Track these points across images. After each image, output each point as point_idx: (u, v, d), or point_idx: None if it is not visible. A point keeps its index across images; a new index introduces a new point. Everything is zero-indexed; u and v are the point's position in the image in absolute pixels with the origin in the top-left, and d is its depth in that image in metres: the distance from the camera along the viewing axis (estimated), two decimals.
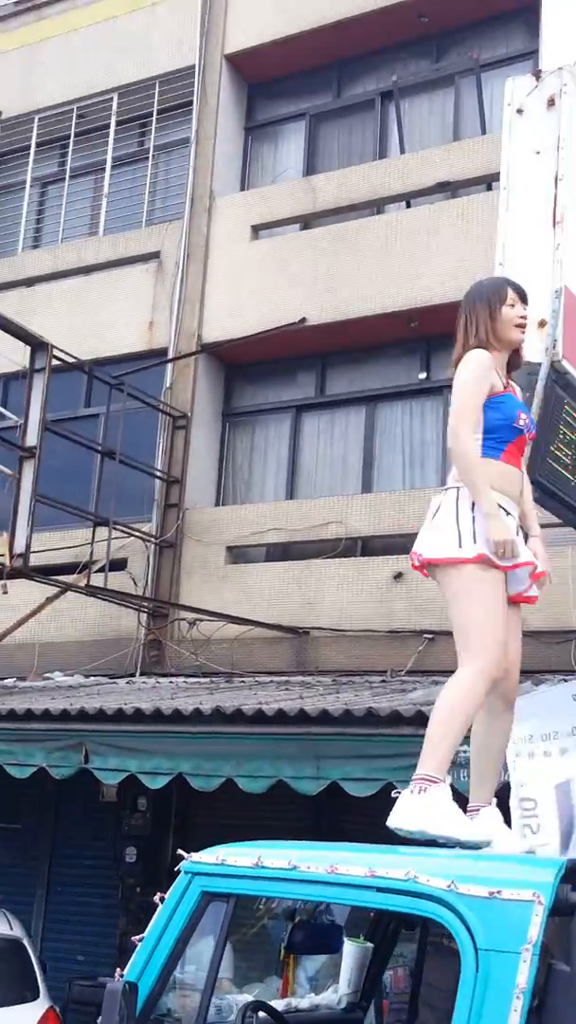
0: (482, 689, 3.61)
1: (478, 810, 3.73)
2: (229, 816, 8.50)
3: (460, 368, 3.87)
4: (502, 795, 4.95)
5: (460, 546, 3.72)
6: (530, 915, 2.80)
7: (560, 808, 4.94)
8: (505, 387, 3.95)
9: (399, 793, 3.50)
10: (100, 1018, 2.94)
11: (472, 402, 3.80)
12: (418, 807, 3.44)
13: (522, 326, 4.00)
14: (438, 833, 3.36)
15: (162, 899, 3.15)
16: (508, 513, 3.81)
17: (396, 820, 3.46)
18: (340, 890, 3.05)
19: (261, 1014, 3.35)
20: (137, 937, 3.16)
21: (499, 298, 4.00)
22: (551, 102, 5.09)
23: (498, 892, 2.87)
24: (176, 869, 3.21)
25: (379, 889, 2.99)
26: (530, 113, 5.14)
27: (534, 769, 5.06)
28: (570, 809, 4.84)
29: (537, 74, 5.21)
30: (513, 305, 3.99)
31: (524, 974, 2.73)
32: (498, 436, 3.86)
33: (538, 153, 5.06)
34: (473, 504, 3.76)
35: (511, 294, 4.00)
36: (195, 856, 3.23)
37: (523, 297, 4.05)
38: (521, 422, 3.88)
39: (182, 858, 3.23)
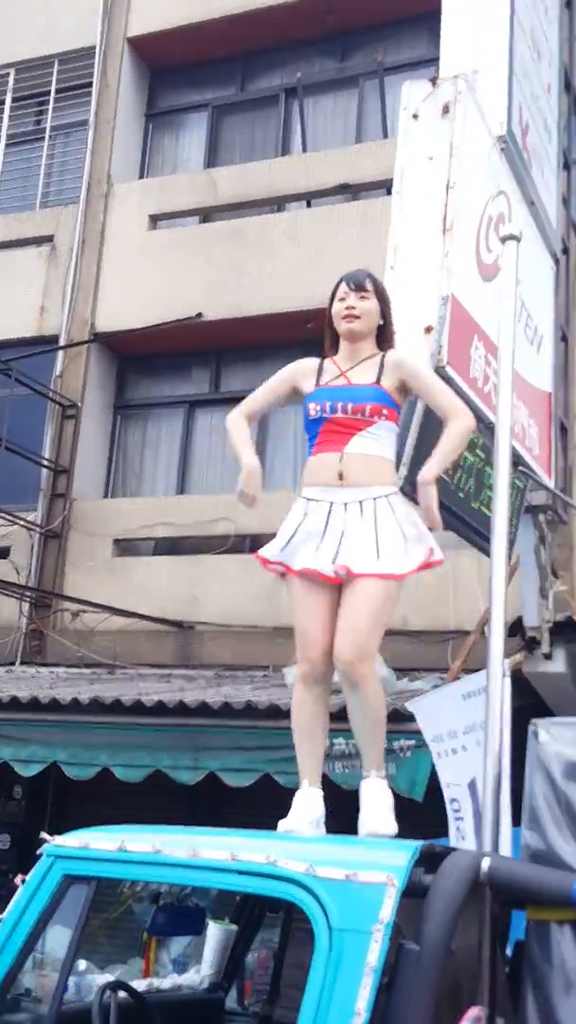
0: (297, 691, 3.95)
1: None
2: (106, 806, 8.45)
3: None
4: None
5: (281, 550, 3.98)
6: (383, 896, 2.87)
7: (474, 807, 5.05)
8: (337, 375, 3.99)
9: None
10: None
11: (261, 388, 4.22)
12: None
13: (348, 317, 4.02)
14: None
15: (23, 881, 3.15)
16: (318, 501, 3.89)
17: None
18: (202, 874, 3.08)
19: (120, 993, 3.36)
20: None
21: (332, 294, 4.08)
22: (446, 109, 5.18)
23: (354, 875, 2.93)
24: (38, 852, 3.20)
25: (240, 872, 3.03)
26: (425, 119, 5.23)
27: (451, 768, 5.17)
28: (478, 808, 4.94)
29: (433, 80, 5.30)
30: (343, 298, 4.04)
31: (375, 953, 2.80)
32: (311, 433, 4.00)
33: (431, 159, 5.15)
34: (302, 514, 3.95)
35: (343, 287, 4.06)
36: (58, 839, 3.24)
37: (357, 284, 4.05)
38: (312, 412, 3.95)
39: (44, 841, 3.22)
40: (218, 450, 10.74)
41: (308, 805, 3.78)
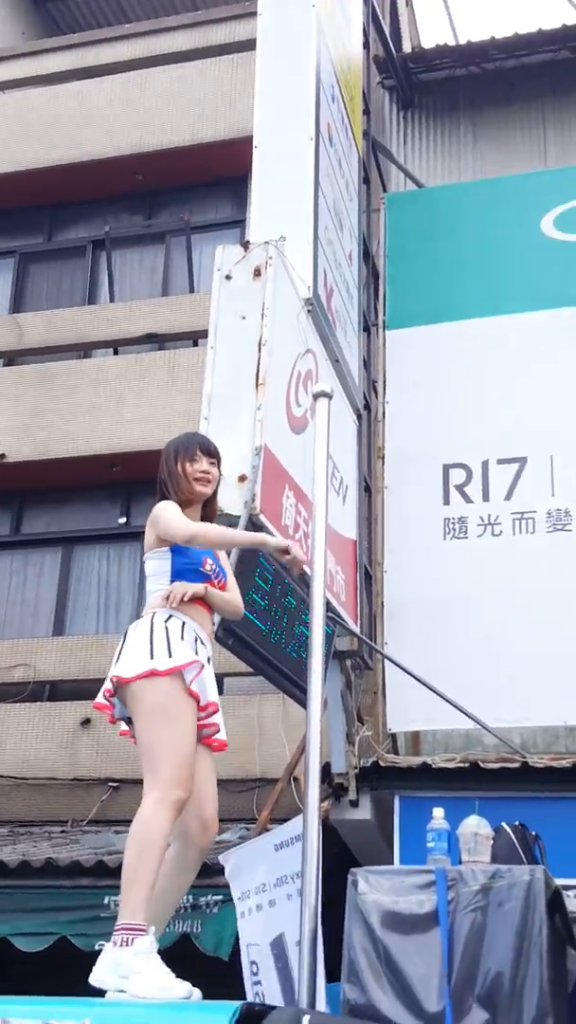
0: (165, 815, 3.56)
1: None
2: None
3: (156, 513, 3.99)
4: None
5: (152, 657, 3.75)
6: None
7: (277, 964, 4.92)
8: None
9: (103, 946, 3.40)
10: None
11: (176, 513, 3.93)
12: (120, 962, 3.36)
13: (202, 480, 4.12)
14: (138, 993, 3.26)
15: None
16: (203, 643, 3.90)
17: (97, 976, 3.38)
18: None
19: None
20: None
21: (184, 454, 4.14)
22: (257, 272, 5.45)
23: None
24: None
25: None
26: (237, 280, 5.47)
27: (252, 928, 5.04)
28: (286, 962, 4.82)
29: (245, 245, 5.57)
30: (196, 460, 4.14)
31: None
32: (185, 579, 3.94)
33: (244, 318, 5.37)
34: (167, 619, 3.84)
35: (193, 449, 4.15)
36: None
37: (207, 451, 4.19)
38: (208, 567, 4.01)
39: None
40: (18, 593, 10.52)
41: (157, 958, 3.44)
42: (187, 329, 10.39)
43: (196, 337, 10.36)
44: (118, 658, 3.86)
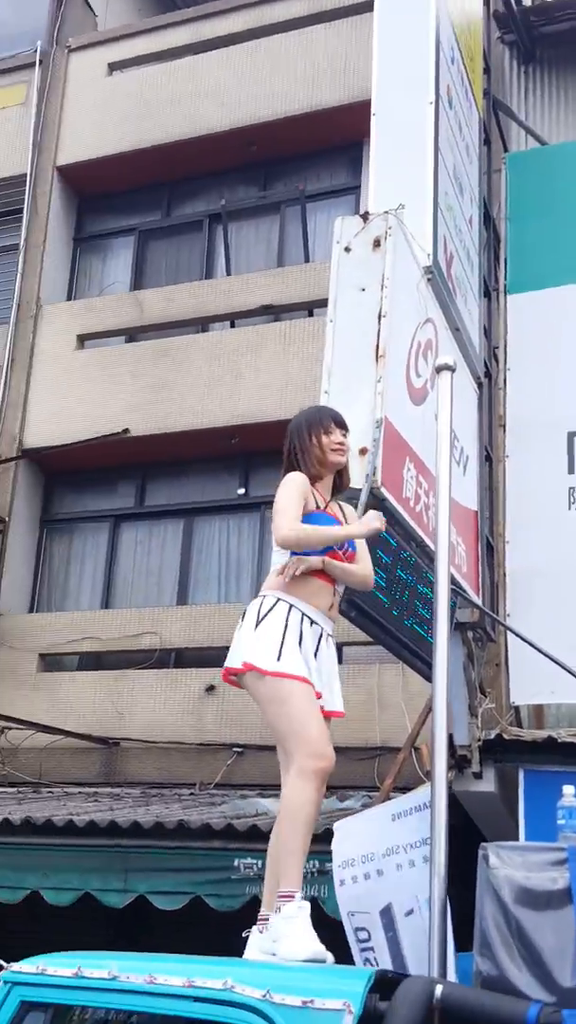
0: (304, 787, 3.74)
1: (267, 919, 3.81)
2: (25, 931, 8.24)
3: (279, 489, 4.09)
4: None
5: (260, 654, 3.92)
6: (341, 1023, 2.88)
7: (387, 934, 4.98)
8: (323, 507, 4.16)
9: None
10: None
11: (292, 502, 4.02)
12: (272, 926, 3.61)
13: (338, 450, 4.25)
14: (283, 955, 3.47)
15: None
16: (313, 622, 3.99)
17: (250, 953, 3.64)
18: (159, 1000, 3.05)
19: None
20: None
21: (318, 426, 4.25)
22: (376, 243, 5.44)
23: (311, 1001, 2.93)
24: None
25: (196, 999, 3.01)
26: (357, 252, 5.48)
27: (358, 896, 5.10)
28: (395, 933, 4.88)
29: (365, 216, 5.57)
30: (330, 432, 4.23)
31: None
32: (308, 552, 4.05)
33: (363, 290, 5.38)
34: (276, 606, 3.97)
35: (328, 422, 4.27)
36: (15, 966, 3.20)
37: (340, 423, 4.31)
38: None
39: (1, 967, 3.18)
40: (143, 563, 10.78)
41: (309, 924, 3.66)
42: (302, 299, 10.43)
43: (311, 307, 10.41)
44: (247, 634, 3.99)
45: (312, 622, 4.01)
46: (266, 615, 3.96)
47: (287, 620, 3.95)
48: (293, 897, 3.63)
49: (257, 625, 3.95)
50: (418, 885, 4.52)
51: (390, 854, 5.15)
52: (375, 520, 4.19)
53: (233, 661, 4.01)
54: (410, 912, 4.78)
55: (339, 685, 4.10)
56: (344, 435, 4.31)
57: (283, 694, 3.85)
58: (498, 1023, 3.01)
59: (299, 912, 3.60)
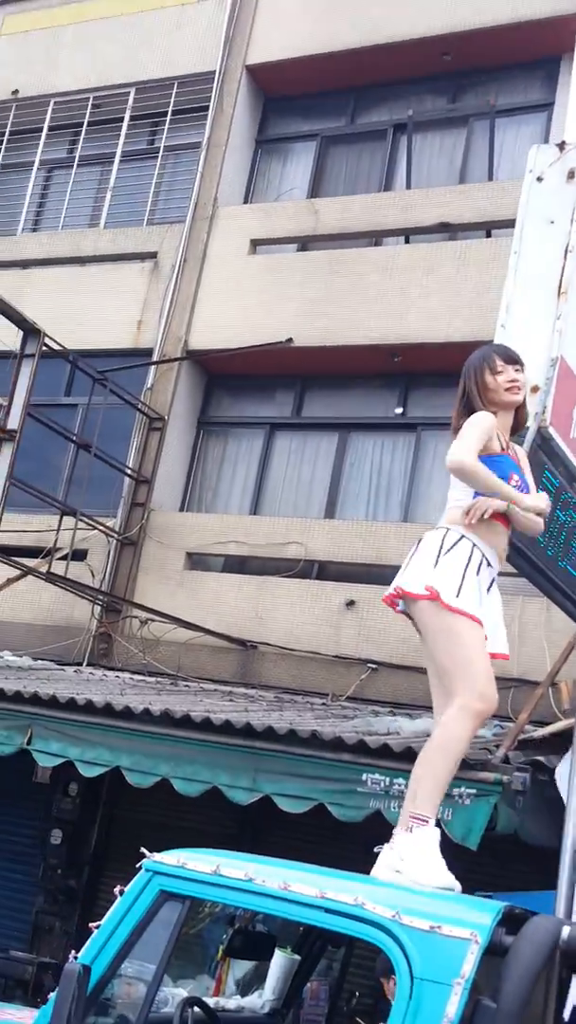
0: (464, 724, 3.84)
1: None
2: (153, 815, 8.64)
3: (464, 425, 4.07)
4: None
5: (440, 583, 3.94)
6: (466, 952, 2.97)
7: None
8: (504, 449, 4.14)
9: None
10: (54, 994, 3.09)
11: (474, 437, 4.02)
12: (401, 845, 3.67)
13: (511, 389, 4.21)
14: (411, 878, 3.54)
15: (121, 892, 3.30)
16: (489, 564, 4.01)
17: (376, 873, 3.67)
18: (291, 907, 3.20)
19: (196, 1010, 3.51)
20: (94, 924, 3.31)
21: (488, 366, 4.22)
22: (571, 175, 5.30)
23: (439, 927, 3.04)
24: (138, 865, 3.35)
25: (327, 910, 3.15)
26: (549, 182, 5.35)
27: None
28: None
29: (561, 145, 5.41)
30: (501, 371, 4.19)
31: (454, 1005, 2.90)
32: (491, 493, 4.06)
33: (552, 223, 5.26)
34: (461, 542, 3.98)
35: (498, 361, 4.23)
36: (157, 856, 3.38)
37: (512, 359, 4.26)
38: (514, 481, 4.08)
39: (143, 856, 3.37)
40: (295, 473, 10.89)
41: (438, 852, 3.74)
42: (482, 219, 10.19)
43: (490, 228, 10.18)
44: (407, 566, 4.03)
45: (488, 564, 4.04)
46: (450, 549, 3.98)
47: (469, 558, 3.98)
48: (427, 822, 3.71)
49: (439, 557, 3.97)
50: None
51: None
52: (542, 501, 4.16)
53: (412, 586, 3.99)
54: None
55: (504, 628, 4.13)
56: (518, 371, 4.26)
57: (458, 629, 3.89)
58: None
59: (430, 839, 3.69)
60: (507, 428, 4.25)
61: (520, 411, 4.31)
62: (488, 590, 4.03)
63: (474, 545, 4.00)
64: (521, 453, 4.38)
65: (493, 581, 4.08)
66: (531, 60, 10.76)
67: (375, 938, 3.07)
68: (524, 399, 4.30)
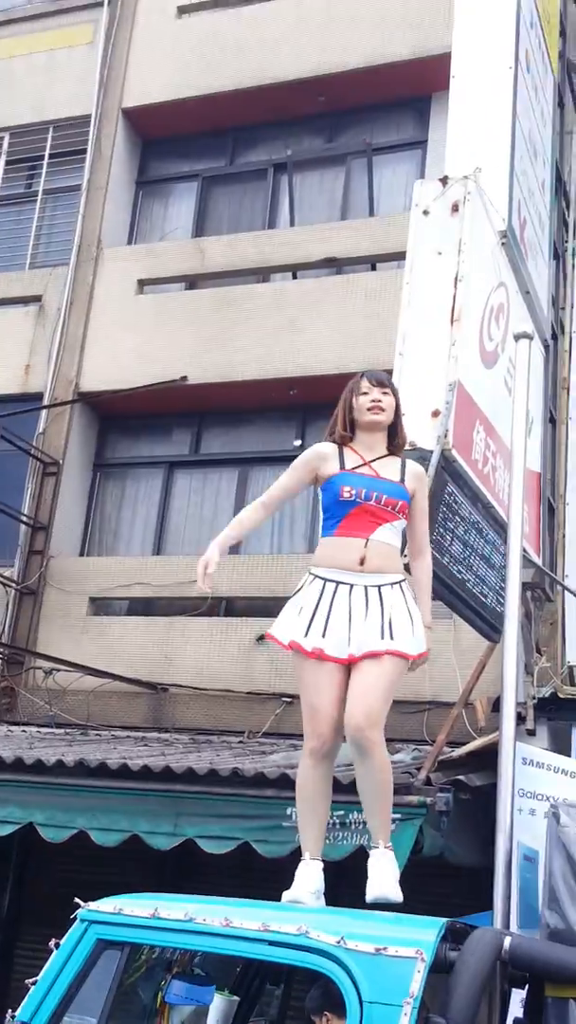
0: (306, 766, 4.11)
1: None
2: (67, 871, 8.44)
3: None
4: None
5: (286, 630, 4.25)
6: (412, 971, 2.99)
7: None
8: (355, 467, 4.24)
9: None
10: None
11: (275, 484, 4.41)
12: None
13: (373, 408, 4.30)
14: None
15: (57, 945, 3.22)
16: (340, 583, 4.11)
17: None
18: (234, 942, 3.17)
19: None
20: (31, 980, 3.22)
21: (355, 388, 4.37)
22: (455, 208, 5.44)
23: (384, 949, 3.04)
24: (72, 916, 3.28)
25: (271, 943, 3.13)
26: (435, 216, 5.48)
27: None
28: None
29: (444, 180, 5.56)
30: (366, 392, 4.33)
31: None
32: (331, 513, 4.22)
33: (440, 254, 5.39)
34: (321, 589, 4.16)
35: (364, 383, 4.36)
36: (92, 905, 3.32)
37: (380, 383, 4.37)
38: (345, 494, 4.17)
39: (78, 906, 3.31)
40: (196, 511, 10.86)
41: (310, 877, 3.91)
42: (365, 253, 10.38)
43: (374, 261, 10.37)
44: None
45: (330, 581, 4.13)
46: (295, 593, 4.27)
47: (299, 590, 4.23)
48: (304, 858, 4.01)
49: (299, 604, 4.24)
50: None
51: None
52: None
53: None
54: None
55: (403, 626, 4.13)
56: (385, 393, 4.33)
57: (299, 673, 4.19)
58: (564, 974, 3.12)
59: (304, 870, 3.94)
60: (373, 446, 4.31)
61: (400, 430, 4.39)
62: (342, 604, 4.12)
63: (314, 576, 4.17)
64: (411, 471, 4.37)
65: (354, 586, 4.12)
66: (403, 99, 11.03)
67: (321, 966, 3.06)
68: (397, 419, 4.35)
